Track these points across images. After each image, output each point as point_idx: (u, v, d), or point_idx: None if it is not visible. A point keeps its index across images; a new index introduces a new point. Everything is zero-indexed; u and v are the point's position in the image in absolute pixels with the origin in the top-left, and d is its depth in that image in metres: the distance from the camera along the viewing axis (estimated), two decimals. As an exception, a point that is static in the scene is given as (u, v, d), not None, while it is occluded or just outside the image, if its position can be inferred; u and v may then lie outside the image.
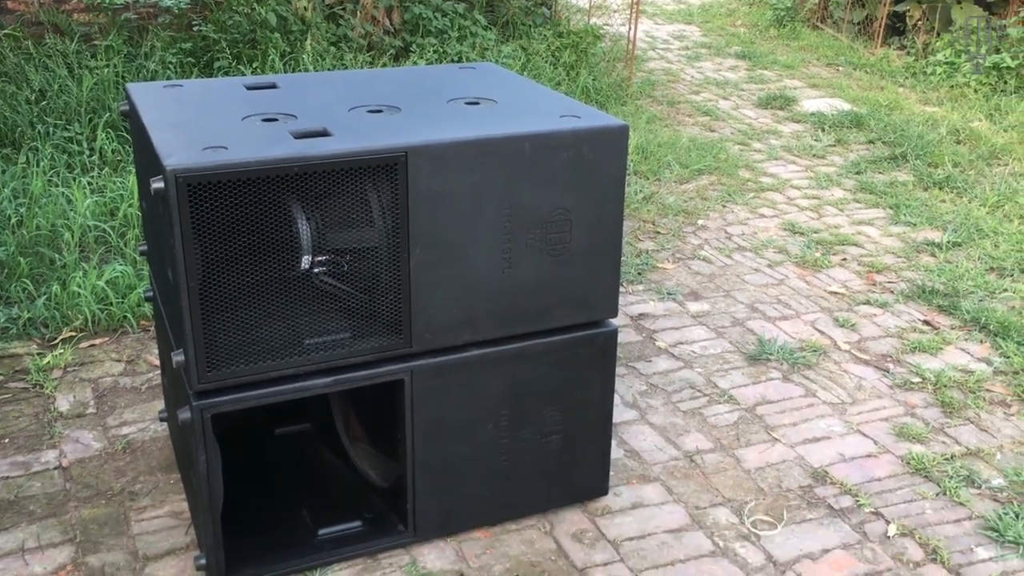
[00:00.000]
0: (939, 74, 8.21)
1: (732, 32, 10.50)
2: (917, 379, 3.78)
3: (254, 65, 5.98)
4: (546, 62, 7.12)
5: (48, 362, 3.65)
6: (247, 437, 3.03)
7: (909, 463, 3.25)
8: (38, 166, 4.86)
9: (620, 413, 3.46)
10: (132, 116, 2.74)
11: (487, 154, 2.43)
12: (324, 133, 2.41)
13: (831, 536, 2.90)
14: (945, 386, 3.72)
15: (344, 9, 6.68)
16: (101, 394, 3.51)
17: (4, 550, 2.72)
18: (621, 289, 4.43)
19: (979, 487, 3.15)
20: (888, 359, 3.93)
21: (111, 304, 3.95)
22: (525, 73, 6.81)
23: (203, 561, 2.54)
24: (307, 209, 2.37)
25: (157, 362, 3.65)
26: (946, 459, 3.28)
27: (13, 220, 4.44)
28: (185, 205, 2.17)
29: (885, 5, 9.07)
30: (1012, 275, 4.68)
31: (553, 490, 2.91)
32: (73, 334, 3.85)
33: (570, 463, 2.89)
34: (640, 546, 2.83)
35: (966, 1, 8.63)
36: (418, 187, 2.38)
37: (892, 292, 4.51)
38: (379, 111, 2.63)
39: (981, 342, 4.07)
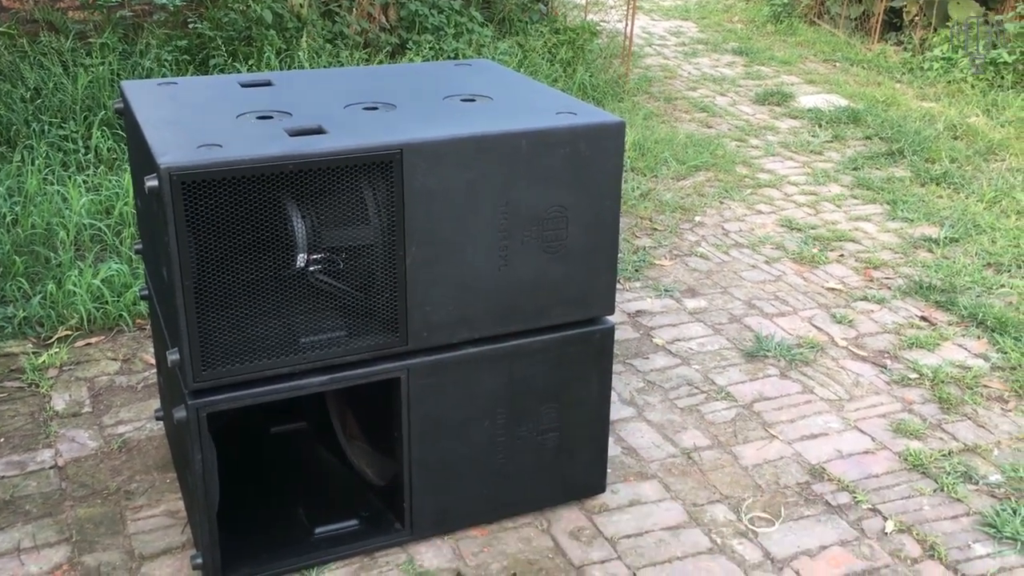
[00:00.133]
0: (936, 70, 8.21)
1: (729, 28, 10.49)
2: (914, 375, 3.77)
3: (250, 62, 5.97)
4: (543, 59, 7.11)
5: (44, 361, 3.64)
6: (243, 436, 3.03)
7: (907, 459, 3.25)
8: (33, 164, 4.84)
9: (617, 410, 3.45)
10: (126, 114, 2.72)
11: (483, 151, 2.42)
12: (319, 131, 2.40)
13: (829, 533, 2.90)
14: (942, 382, 3.72)
15: (340, 6, 6.66)
16: (97, 393, 3.50)
17: (0, 550, 2.71)
18: (618, 286, 4.43)
19: (976, 483, 3.14)
20: (885, 355, 3.93)
21: (107, 303, 3.94)
22: (522, 70, 6.80)
23: (199, 560, 2.53)
24: (302, 207, 2.36)
25: (153, 361, 3.64)
26: (943, 455, 3.28)
27: (8, 219, 4.43)
28: (179, 203, 2.16)
29: (882, 1, 9.06)
30: (1009, 271, 4.68)
31: (550, 488, 2.90)
32: (69, 333, 3.84)
33: (567, 461, 2.88)
34: (637, 543, 2.82)
35: (963, -4, 8.62)
36: (414, 184, 2.37)
37: (889, 288, 4.51)
38: (374, 108, 2.62)
39: (978, 338, 4.07)
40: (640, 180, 5.73)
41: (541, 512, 2.92)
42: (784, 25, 10.27)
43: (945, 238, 5.02)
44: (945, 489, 3.10)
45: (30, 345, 3.77)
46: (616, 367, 3.72)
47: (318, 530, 2.74)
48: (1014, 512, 2.98)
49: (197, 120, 2.50)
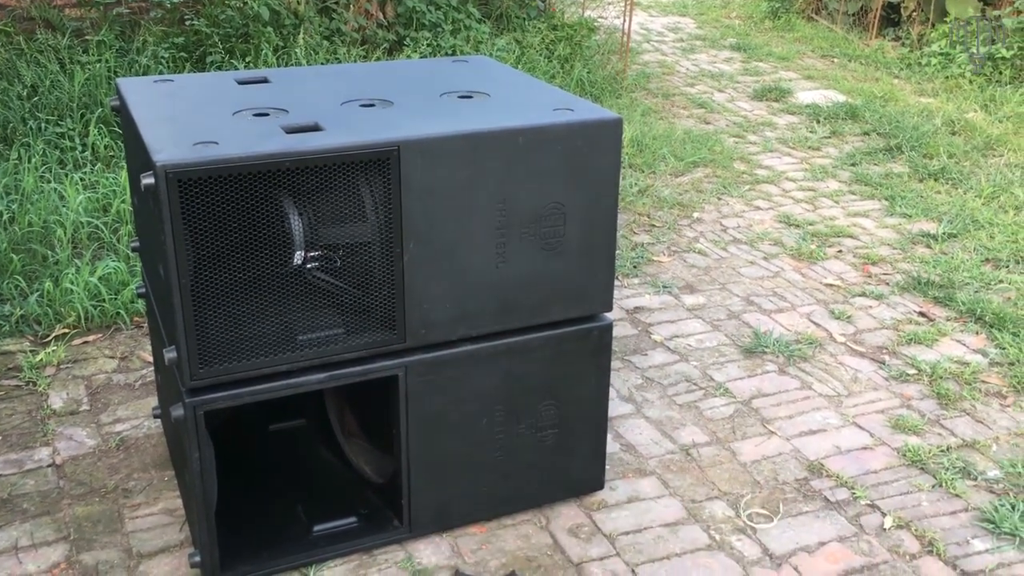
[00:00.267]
0: (934, 65, 8.21)
1: (727, 24, 10.48)
2: (913, 371, 3.77)
3: (247, 59, 5.96)
4: (540, 55, 7.10)
5: (41, 359, 3.63)
6: (241, 433, 3.02)
7: (905, 455, 3.25)
8: (30, 162, 4.84)
9: (616, 407, 3.45)
10: (123, 111, 2.72)
11: (480, 148, 2.42)
12: (316, 128, 2.40)
13: (827, 529, 2.90)
14: (941, 378, 3.72)
15: (337, 3, 6.65)
16: (94, 391, 3.49)
17: (-3, 549, 2.72)
18: (616, 282, 4.42)
19: (975, 479, 3.14)
20: (884, 351, 3.93)
21: (104, 301, 3.94)
22: (519, 66, 6.79)
23: (197, 558, 2.53)
24: (299, 204, 2.36)
25: (150, 358, 3.63)
26: (942, 451, 3.28)
27: (5, 217, 4.42)
28: (176, 201, 2.16)
29: (880, -4, 9.05)
30: (1007, 266, 4.68)
31: (549, 485, 2.90)
32: (66, 331, 3.83)
33: (566, 457, 2.88)
34: (636, 540, 2.82)
35: (961, -8, 8.61)
36: (411, 181, 2.37)
37: (888, 284, 4.51)
38: (371, 105, 2.61)
39: (977, 333, 4.07)
40: (638, 176, 5.72)
41: (540, 509, 2.92)
42: (782, 21, 10.27)
43: (943, 234, 5.02)
44: (944, 485, 3.10)
45: (27, 343, 3.76)
46: (614, 364, 3.71)
47: (316, 528, 2.74)
48: (1013, 508, 2.98)
49: (193, 117, 2.50)
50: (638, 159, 5.96)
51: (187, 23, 6.11)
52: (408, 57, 6.58)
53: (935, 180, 5.82)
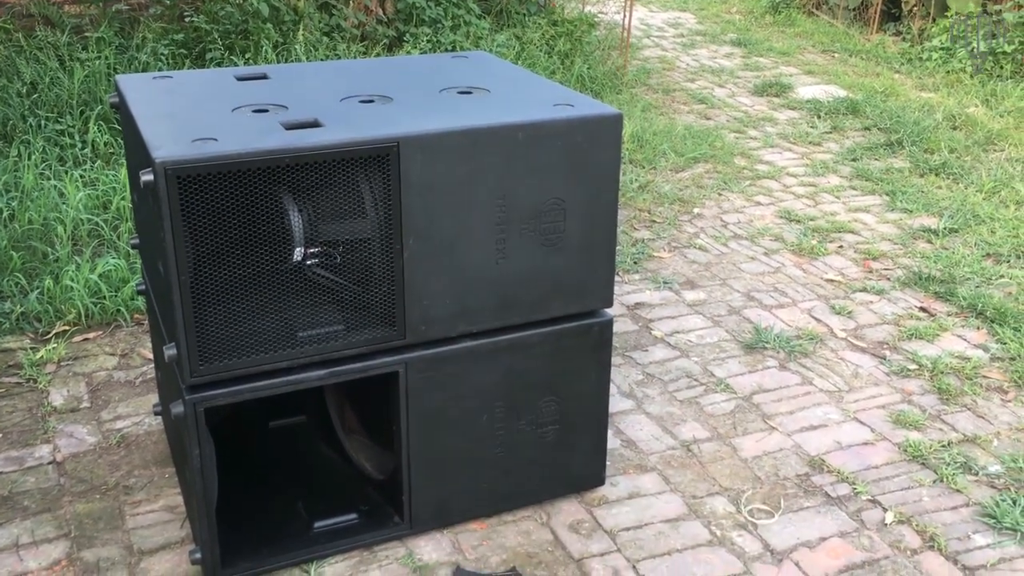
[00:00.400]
0: (935, 60, 8.19)
1: (727, 19, 10.47)
2: (914, 366, 3.77)
3: (247, 56, 5.95)
4: (540, 51, 7.09)
5: (41, 356, 3.63)
6: (242, 430, 3.02)
7: (906, 450, 3.25)
8: (30, 159, 4.83)
9: (617, 403, 3.45)
10: (122, 108, 2.71)
11: (480, 144, 2.41)
12: (315, 124, 2.39)
13: (828, 524, 2.90)
14: (942, 373, 3.71)
15: (337, -1, 6.64)
16: (95, 388, 3.49)
17: (-2, 546, 2.72)
18: (617, 278, 4.42)
19: (976, 474, 3.14)
20: (885, 346, 3.92)
21: (104, 298, 3.94)
22: (519, 62, 6.78)
23: (198, 555, 2.53)
24: (299, 201, 2.35)
25: (151, 355, 3.63)
26: (943, 446, 3.28)
27: (5, 214, 4.42)
28: (175, 198, 2.15)
29: (880, -9, 9.04)
30: (1008, 261, 4.67)
31: (549, 481, 2.90)
32: (66, 328, 3.83)
33: (566, 453, 2.88)
34: (637, 536, 2.82)
35: (961, -14, 8.60)
36: (410, 177, 2.37)
37: (888, 279, 4.50)
38: (371, 101, 2.61)
39: (978, 328, 4.06)
40: (639, 172, 5.72)
41: (540, 505, 2.92)
42: (782, 16, 10.25)
43: (944, 229, 5.01)
44: (945, 480, 3.10)
45: (28, 341, 3.76)
46: (615, 359, 3.71)
47: (317, 524, 2.74)
48: (1014, 502, 2.98)
49: (192, 114, 2.49)
50: (638, 155, 5.95)
51: (186, 20, 6.10)
52: (408, 53, 6.57)
53: (936, 175, 5.81)
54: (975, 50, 7.91)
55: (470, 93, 2.70)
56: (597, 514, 2.90)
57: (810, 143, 6.44)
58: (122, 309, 3.92)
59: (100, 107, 5.34)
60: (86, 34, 5.93)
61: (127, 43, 5.95)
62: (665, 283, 4.41)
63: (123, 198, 4.58)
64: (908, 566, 2.74)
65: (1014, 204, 5.34)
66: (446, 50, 6.72)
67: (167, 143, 2.20)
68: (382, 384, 2.60)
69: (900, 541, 2.84)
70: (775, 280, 4.48)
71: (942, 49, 8.24)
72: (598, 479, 2.99)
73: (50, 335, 3.79)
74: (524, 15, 7.57)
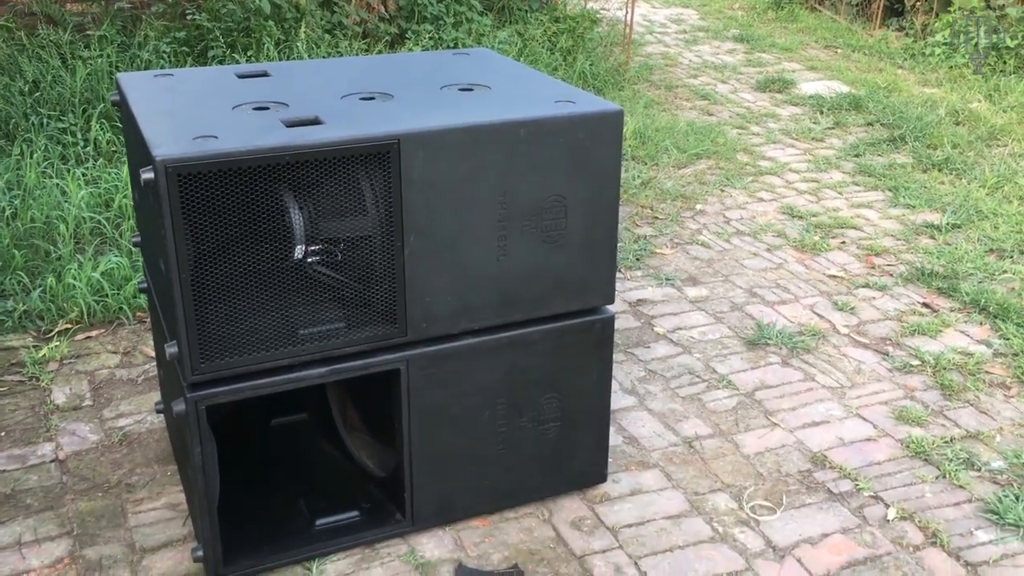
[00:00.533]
0: (938, 55, 8.17)
1: (730, 15, 10.45)
2: (916, 362, 3.76)
3: (248, 53, 5.95)
4: (543, 47, 7.08)
5: (44, 355, 3.63)
6: (244, 428, 3.02)
7: (908, 446, 3.24)
8: (32, 158, 4.83)
9: (619, 399, 3.45)
10: (123, 106, 2.71)
11: (481, 141, 2.41)
12: (316, 121, 2.39)
13: (830, 520, 2.89)
14: (944, 369, 3.71)
15: (338, -4, 6.64)
16: (97, 386, 3.50)
17: (1, 544, 2.72)
18: (619, 275, 4.42)
19: (979, 470, 3.14)
20: (887, 342, 3.92)
21: (107, 296, 3.94)
22: (522, 59, 6.77)
23: (200, 553, 2.53)
24: (299, 198, 2.35)
25: (153, 353, 3.63)
26: (946, 442, 3.27)
27: (7, 212, 4.42)
28: (175, 196, 2.15)
29: (883, -14, 9.02)
30: (1012, 256, 4.66)
31: (551, 478, 2.90)
32: (69, 326, 3.84)
33: (568, 450, 2.88)
34: (639, 533, 2.82)
35: (965, -19, 8.57)
36: (411, 175, 2.36)
37: (891, 275, 4.50)
38: (371, 98, 2.61)
39: (981, 324, 4.06)
40: (641, 169, 5.71)
41: (542, 502, 2.92)
42: (785, 12, 10.23)
43: (947, 224, 5.00)
44: (947, 476, 3.10)
45: (30, 339, 3.76)
46: (617, 356, 3.71)
47: (319, 521, 2.74)
48: (1017, 498, 2.97)
49: (193, 112, 2.49)
50: (641, 151, 5.94)
51: (188, 17, 6.10)
52: (410, 50, 6.56)
53: (939, 170, 5.80)
54: (975, 49, 7.89)
55: (471, 90, 2.70)
56: (599, 511, 2.90)
57: (813, 139, 6.43)
58: (124, 307, 3.92)
59: (102, 105, 5.34)
60: (88, 32, 5.93)
61: (129, 41, 5.95)
62: (667, 279, 4.41)
63: (125, 196, 4.59)
64: (910, 562, 2.74)
65: (1017, 199, 5.32)
66: (448, 47, 6.72)
67: (167, 141, 2.20)
68: (384, 381, 2.60)
69: (902, 537, 2.83)
70: (777, 276, 4.47)
71: (945, 44, 8.22)
72: (600, 476, 2.99)
73: (52, 333, 3.80)
74: (526, 11, 7.56)
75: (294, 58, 5.99)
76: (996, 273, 4.48)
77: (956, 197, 5.35)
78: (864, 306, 4.20)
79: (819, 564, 2.72)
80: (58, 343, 3.70)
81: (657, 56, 8.59)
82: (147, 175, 2.14)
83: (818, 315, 4.12)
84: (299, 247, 2.38)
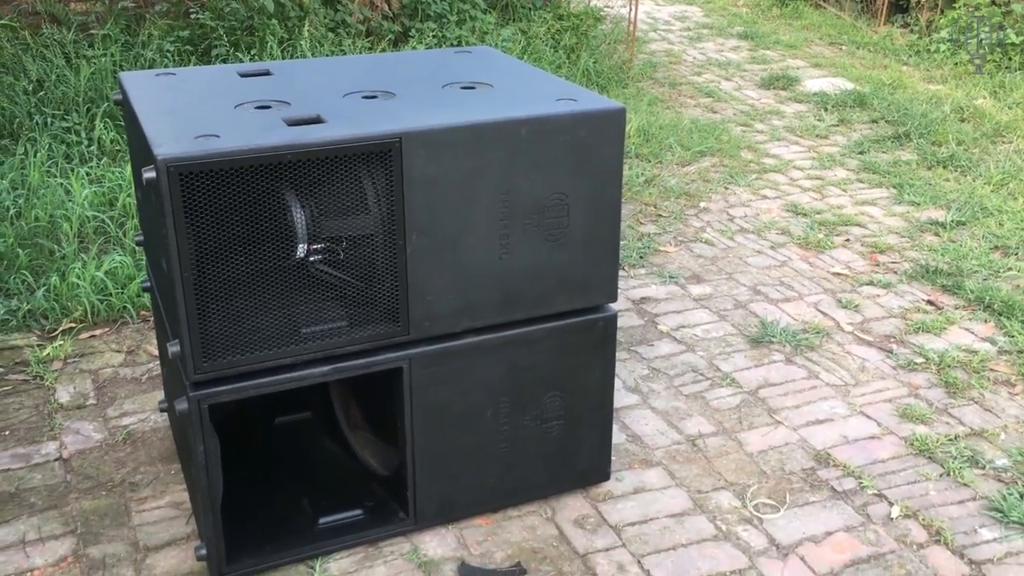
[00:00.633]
0: (943, 52, 8.15)
1: (734, 12, 10.43)
2: (921, 360, 3.75)
3: (252, 52, 5.95)
4: (546, 45, 7.07)
5: (48, 354, 3.64)
6: (247, 426, 3.03)
7: (912, 444, 3.23)
8: (36, 157, 4.84)
9: (622, 398, 3.44)
10: (125, 105, 2.72)
11: (482, 139, 2.41)
12: (317, 120, 2.39)
13: (834, 518, 2.89)
14: (949, 366, 3.70)
15: (342, -6, 6.64)
16: (101, 385, 3.50)
17: (5, 542, 2.72)
18: (623, 273, 4.41)
19: (983, 468, 3.13)
20: (891, 340, 3.91)
21: (111, 295, 3.95)
22: (525, 57, 6.77)
23: (203, 551, 2.53)
24: (301, 197, 2.35)
25: (157, 352, 3.64)
26: (950, 440, 3.26)
27: (11, 212, 4.43)
28: (177, 195, 2.15)
29: (888, -17, 8.99)
30: (1017, 254, 4.65)
31: (554, 476, 2.89)
32: (73, 325, 3.84)
33: (571, 448, 2.87)
34: (642, 531, 2.82)
35: (970, -23, 8.54)
36: (413, 173, 2.36)
37: (896, 272, 4.49)
38: (373, 97, 2.61)
39: (985, 321, 4.04)
40: (645, 166, 5.70)
41: (545, 500, 2.91)
42: (789, 8, 10.21)
43: (952, 221, 4.99)
44: (951, 474, 3.09)
45: (34, 338, 3.77)
46: (621, 354, 3.71)
47: (322, 520, 2.74)
48: (1021, 496, 2.97)
49: (195, 111, 2.49)
50: (645, 149, 5.94)
51: (192, 16, 6.10)
52: (413, 48, 6.56)
53: (944, 167, 5.78)
54: (980, 46, 7.86)
55: (473, 88, 2.70)
56: (602, 509, 2.90)
57: (817, 136, 6.42)
58: (128, 306, 3.93)
59: (106, 104, 5.35)
60: (92, 31, 5.93)
61: (133, 40, 5.95)
62: (671, 277, 4.40)
63: (129, 195, 4.59)
64: (914, 560, 2.73)
65: (1022, 196, 5.31)
66: (452, 45, 6.71)
67: (169, 140, 2.20)
68: (386, 380, 2.60)
69: (906, 535, 2.83)
70: (781, 274, 4.47)
71: (950, 41, 8.19)
72: (603, 474, 2.99)
73: (56, 332, 3.80)
74: (530, 9, 7.55)
75: (298, 56, 6.00)
76: (1001, 270, 4.47)
77: (961, 194, 5.33)
78: (868, 304, 4.20)
79: (823, 562, 2.71)
80: (62, 342, 3.71)
81: (661, 53, 8.58)
82: (149, 174, 2.14)
83: (822, 313, 4.11)
84: (301, 246, 2.38)
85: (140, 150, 2.44)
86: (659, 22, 10.00)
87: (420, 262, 2.45)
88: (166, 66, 5.72)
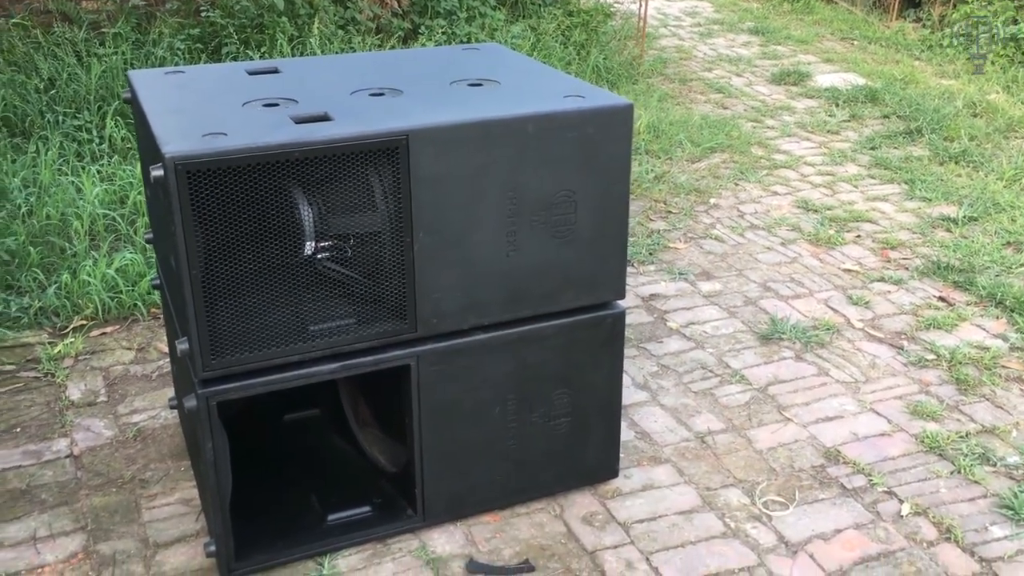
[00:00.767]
0: (955, 47, 8.10)
1: (745, 7, 10.39)
2: (932, 356, 3.74)
3: (262, 50, 5.97)
4: (556, 42, 7.06)
5: (59, 351, 3.66)
6: (256, 423, 3.03)
7: (923, 441, 3.22)
8: (47, 155, 4.86)
9: (631, 395, 3.44)
10: (134, 103, 2.73)
11: (490, 136, 2.41)
12: (325, 118, 2.39)
13: (844, 516, 2.88)
14: (960, 363, 3.68)
15: (352, -8, 6.64)
16: (112, 382, 3.52)
17: (16, 539, 2.74)
18: (632, 269, 4.41)
19: (994, 465, 3.11)
20: (902, 336, 3.89)
21: (121, 292, 3.96)
22: (535, 53, 6.76)
23: (213, 548, 2.54)
24: (309, 194, 2.35)
25: (167, 350, 3.65)
26: (961, 437, 3.25)
27: (23, 209, 4.45)
28: (185, 192, 2.16)
29: (900, -23, 8.95)
30: (1029, 250, 4.62)
31: (563, 473, 2.89)
32: (84, 323, 3.86)
33: (579, 446, 2.87)
34: (651, 528, 2.81)
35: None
36: (420, 170, 2.36)
37: (907, 268, 4.47)
38: (381, 94, 2.61)
39: (997, 318, 4.02)
40: (655, 163, 5.69)
41: (554, 497, 2.91)
42: (801, 3, 10.16)
43: (964, 217, 4.96)
44: (962, 471, 3.08)
45: (46, 335, 3.79)
46: (630, 351, 3.70)
47: (331, 517, 2.75)
48: (1032, 494, 2.95)
49: (203, 109, 2.50)
50: (654, 145, 5.92)
51: (202, 14, 6.12)
52: (423, 45, 6.56)
53: (956, 163, 5.75)
54: (986, 42, 7.81)
55: (480, 85, 2.70)
56: (610, 506, 2.90)
57: (828, 132, 6.39)
58: (139, 303, 3.94)
59: (117, 102, 5.37)
60: (103, 30, 5.96)
61: (144, 38, 5.97)
62: (680, 274, 4.39)
63: (139, 193, 4.61)
64: (924, 558, 2.72)
65: (1035, 192, 5.28)
66: (461, 42, 6.71)
67: (177, 138, 2.21)
68: (394, 377, 2.60)
69: (916, 533, 2.82)
70: (792, 270, 4.45)
71: (963, 35, 8.14)
72: (611, 471, 2.99)
73: (68, 330, 3.82)
74: (539, 5, 7.54)
75: (307, 54, 6.01)
76: (1013, 266, 4.44)
77: (973, 190, 5.30)
78: (879, 300, 4.18)
79: (832, 560, 2.71)
80: (73, 339, 3.73)
81: (671, 49, 8.56)
82: (157, 172, 2.15)
83: (832, 309, 4.10)
84: (309, 243, 2.38)
85: (149, 148, 2.45)
86: (669, 18, 9.97)
87: (427, 259, 2.45)
88: (176, 64, 5.74)
